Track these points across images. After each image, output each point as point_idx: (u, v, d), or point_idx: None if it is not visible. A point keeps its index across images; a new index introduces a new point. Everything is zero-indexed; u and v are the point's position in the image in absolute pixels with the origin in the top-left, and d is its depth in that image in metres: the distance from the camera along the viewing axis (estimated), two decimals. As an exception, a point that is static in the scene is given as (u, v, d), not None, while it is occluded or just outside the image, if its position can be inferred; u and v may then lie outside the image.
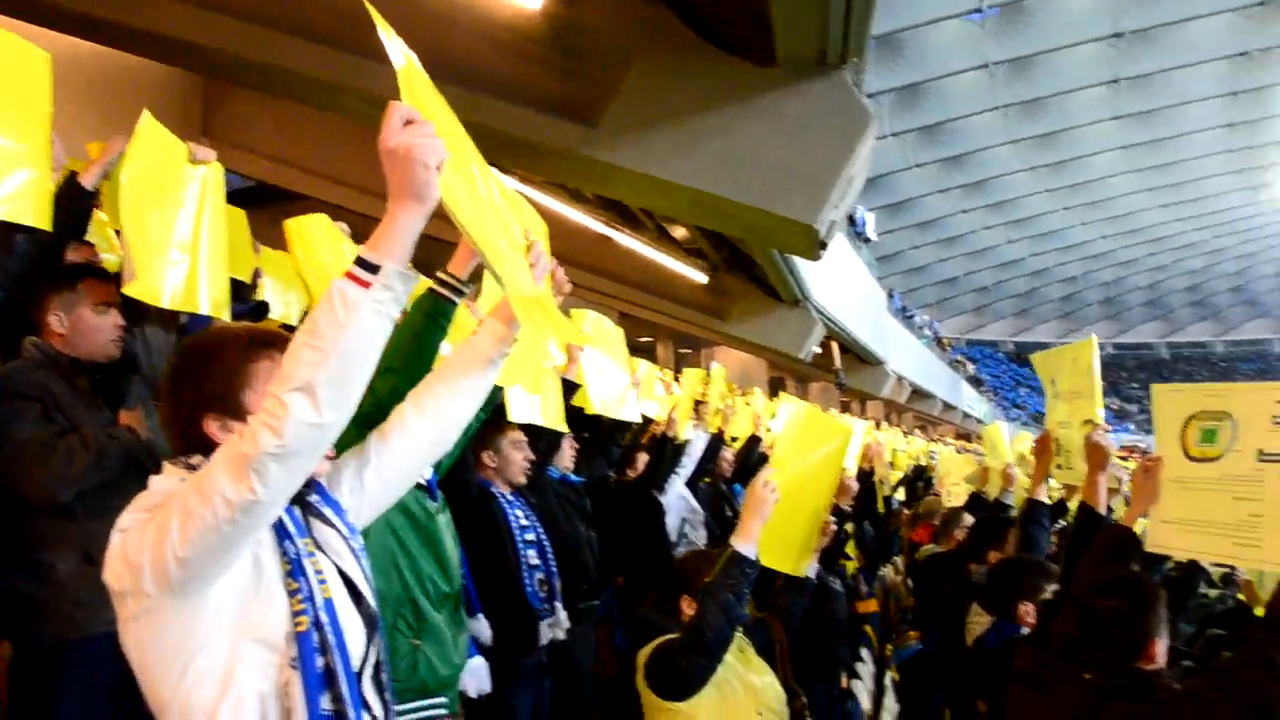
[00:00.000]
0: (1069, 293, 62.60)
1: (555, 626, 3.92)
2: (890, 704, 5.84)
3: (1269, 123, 36.35)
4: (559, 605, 3.96)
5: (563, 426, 4.26)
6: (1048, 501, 4.29)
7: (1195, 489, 2.85)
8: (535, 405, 3.99)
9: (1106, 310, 68.06)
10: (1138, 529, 3.07)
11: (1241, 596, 6.17)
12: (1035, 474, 4.28)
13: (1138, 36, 27.52)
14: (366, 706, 1.68)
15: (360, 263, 1.50)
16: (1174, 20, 27.12)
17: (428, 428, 1.97)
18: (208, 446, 1.64)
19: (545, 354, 4.01)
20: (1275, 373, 70.75)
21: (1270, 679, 2.19)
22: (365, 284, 1.48)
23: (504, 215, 1.96)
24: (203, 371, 1.71)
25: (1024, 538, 4.22)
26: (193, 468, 1.62)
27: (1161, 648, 2.57)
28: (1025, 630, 3.69)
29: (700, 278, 14.19)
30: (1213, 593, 6.77)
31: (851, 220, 18.66)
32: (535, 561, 3.90)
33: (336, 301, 1.47)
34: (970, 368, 45.08)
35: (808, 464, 3.59)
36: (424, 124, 1.49)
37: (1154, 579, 3.95)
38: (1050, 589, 3.61)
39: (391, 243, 1.52)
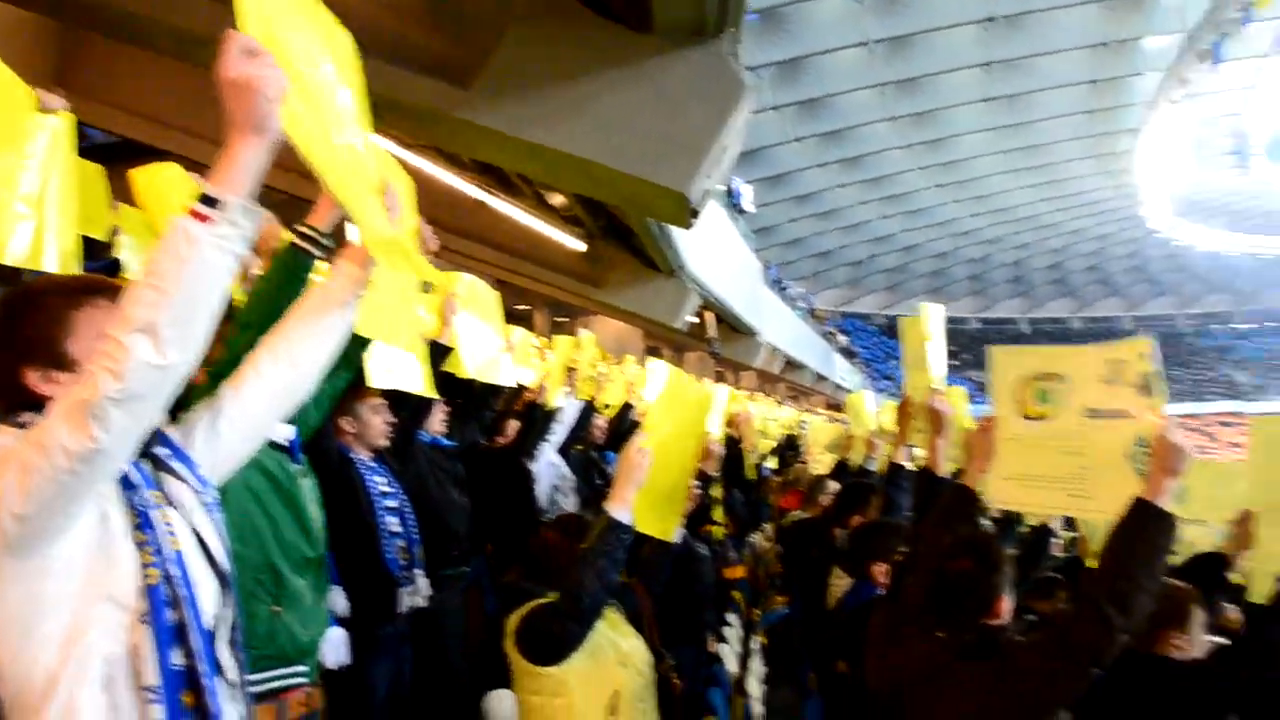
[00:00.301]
0: (938, 268, 64.46)
1: (415, 594, 3.86)
2: (756, 667, 5.95)
3: (1124, 111, 38.16)
4: (420, 573, 3.90)
5: (429, 391, 4.20)
6: (910, 466, 4.41)
7: (1029, 446, 2.98)
8: (398, 370, 3.90)
9: (973, 286, 70.28)
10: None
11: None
12: (897, 439, 4.40)
13: (1009, 22, 28.45)
14: (220, 669, 1.64)
15: (202, 199, 1.45)
16: (1043, 8, 28.09)
17: (282, 373, 1.91)
18: (29, 401, 1.58)
19: (409, 305, 3.87)
20: (1127, 347, 74.26)
21: (1101, 632, 2.33)
22: (207, 219, 1.43)
23: (362, 157, 1.92)
24: (24, 320, 1.63)
25: (886, 501, 4.34)
26: (23, 426, 1.54)
27: (1007, 605, 2.69)
28: (881, 591, 3.80)
29: (578, 245, 14.13)
30: (1063, 555, 7.07)
31: (729, 192, 18.77)
32: (396, 529, 3.81)
33: (178, 238, 1.42)
34: (843, 339, 45.93)
35: (675, 429, 3.62)
36: (264, 54, 1.45)
37: (1006, 541, 4.12)
38: (903, 549, 3.73)
39: (233, 176, 1.47)
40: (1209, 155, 52.45)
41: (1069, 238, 62.93)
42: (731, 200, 19.03)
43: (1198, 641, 3.28)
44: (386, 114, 7.08)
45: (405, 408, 4.12)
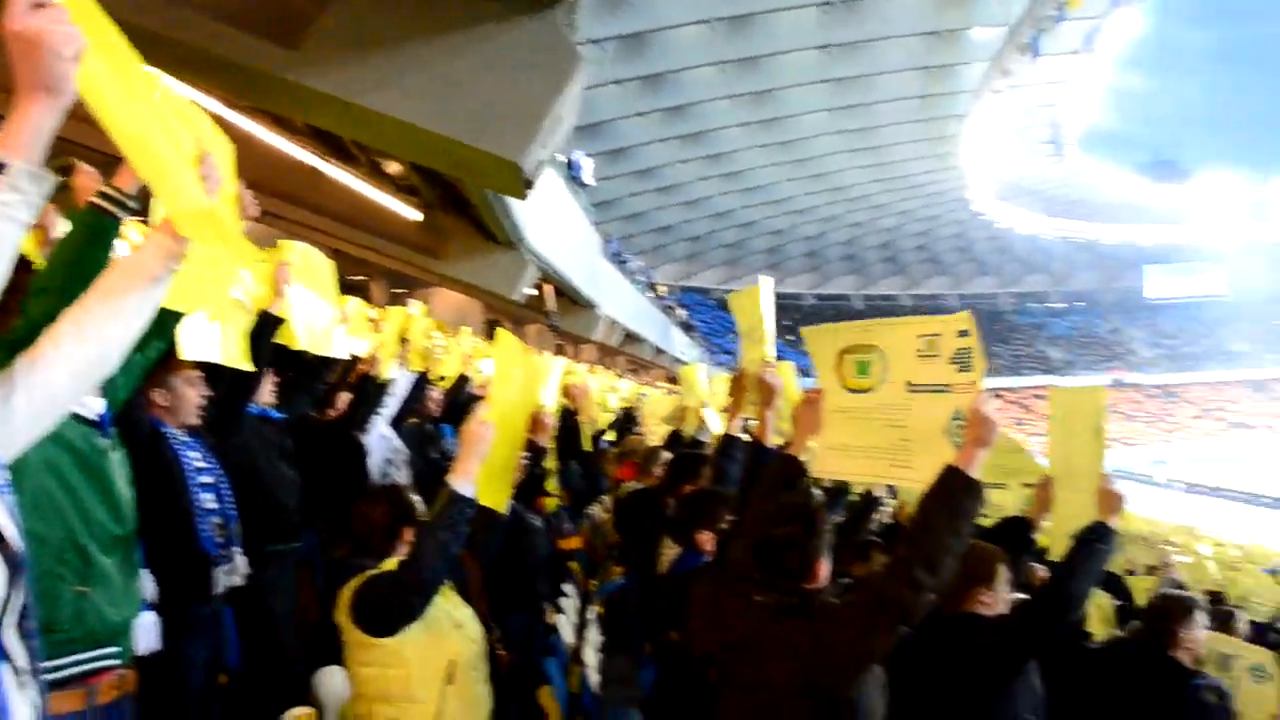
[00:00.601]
0: (775, 245, 65.80)
1: (233, 573, 3.70)
2: (593, 637, 6.01)
3: (952, 98, 39.82)
4: (238, 551, 3.74)
5: (244, 364, 4.04)
6: (743, 437, 4.49)
7: (855, 417, 3.09)
8: (212, 341, 3.74)
9: (809, 263, 72.05)
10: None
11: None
12: (730, 410, 4.47)
13: (846, 6, 29.16)
14: (7, 656, 1.54)
15: None
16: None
17: (87, 350, 1.75)
18: None
19: (225, 276, 3.70)
20: (952, 323, 78.19)
21: (909, 591, 2.46)
22: None
23: (170, 122, 1.80)
24: None
25: (717, 471, 4.41)
26: None
27: (825, 569, 2.78)
28: (707, 558, 3.88)
29: (414, 215, 13.88)
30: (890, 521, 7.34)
31: (569, 165, 18.76)
32: (212, 505, 3.63)
33: None
34: (682, 314, 46.50)
35: (512, 399, 3.62)
36: (56, 7, 1.34)
37: (836, 509, 4.24)
38: (730, 518, 3.81)
39: (20, 139, 1.36)
40: (1028, 143, 55.32)
41: (900, 218, 65.32)
42: (572, 173, 19.03)
43: (1003, 598, 3.49)
44: (208, 72, 6.80)
45: (224, 381, 3.96)
